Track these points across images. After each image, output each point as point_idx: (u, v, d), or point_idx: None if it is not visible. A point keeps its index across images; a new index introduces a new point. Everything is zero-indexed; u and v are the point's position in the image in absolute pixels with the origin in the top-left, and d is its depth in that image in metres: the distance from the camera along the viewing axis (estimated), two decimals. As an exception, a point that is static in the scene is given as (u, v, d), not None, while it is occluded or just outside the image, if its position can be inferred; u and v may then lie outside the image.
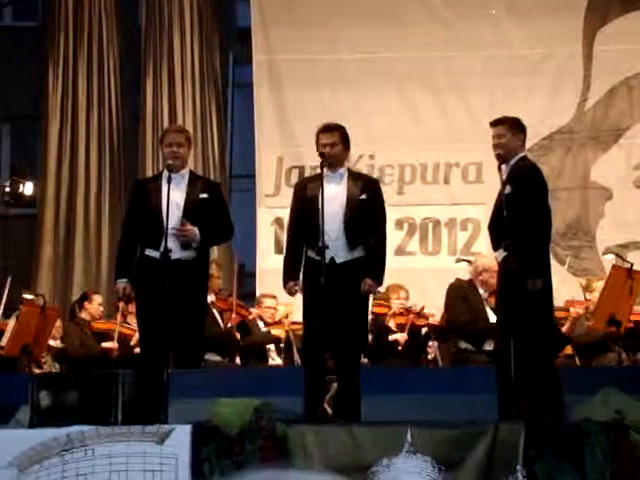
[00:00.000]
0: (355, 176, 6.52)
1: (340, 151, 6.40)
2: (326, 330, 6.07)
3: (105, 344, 8.64)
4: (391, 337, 8.67)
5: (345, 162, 6.49)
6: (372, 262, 6.32)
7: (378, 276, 6.36)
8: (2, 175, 12.44)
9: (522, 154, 6.34)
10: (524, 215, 6.06)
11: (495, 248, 6.27)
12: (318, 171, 6.41)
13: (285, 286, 6.42)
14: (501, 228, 6.11)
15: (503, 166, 6.26)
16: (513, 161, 6.26)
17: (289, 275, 6.39)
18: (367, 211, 6.33)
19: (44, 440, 5.31)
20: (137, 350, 8.19)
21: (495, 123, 6.38)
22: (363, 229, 6.32)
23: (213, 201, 6.44)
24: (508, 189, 6.15)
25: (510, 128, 6.29)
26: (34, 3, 12.30)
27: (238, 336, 8.63)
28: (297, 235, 6.43)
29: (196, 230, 6.27)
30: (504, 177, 6.23)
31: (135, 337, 8.32)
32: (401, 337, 8.69)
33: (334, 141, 6.37)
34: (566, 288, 9.05)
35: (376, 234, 6.38)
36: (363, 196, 6.35)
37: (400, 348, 8.65)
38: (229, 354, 8.50)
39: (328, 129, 6.42)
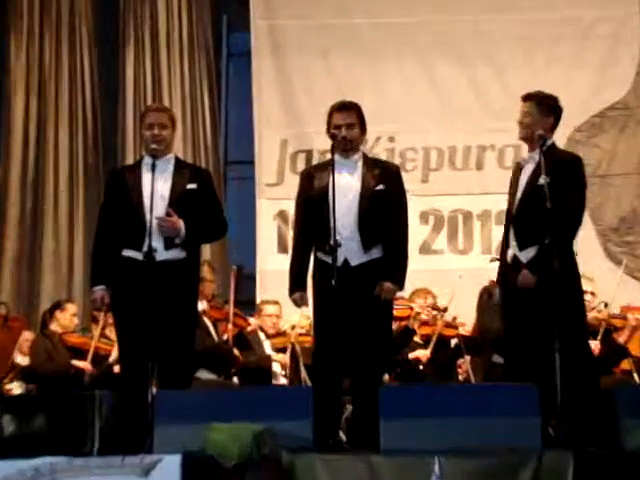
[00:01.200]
0: (371, 163, 6.51)
1: (357, 134, 6.41)
2: (340, 344, 6.07)
3: (76, 362, 8.61)
4: (412, 355, 8.66)
5: (361, 147, 6.50)
6: (390, 263, 6.32)
7: (397, 279, 6.35)
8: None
9: (550, 141, 6.38)
10: (562, 210, 6.11)
11: (522, 246, 6.27)
12: (328, 156, 6.41)
13: (291, 295, 6.43)
14: (532, 223, 6.14)
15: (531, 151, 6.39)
16: (544, 147, 6.29)
17: (296, 282, 6.40)
18: (385, 204, 6.33)
19: (7, 474, 5.31)
20: (116, 369, 8.20)
21: (524, 98, 6.42)
22: (380, 226, 6.31)
23: (203, 192, 6.45)
24: (544, 180, 6.17)
25: (538, 106, 6.35)
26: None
27: (236, 351, 8.61)
28: (305, 233, 6.43)
29: (181, 222, 6.28)
30: (530, 164, 6.29)
31: (113, 354, 8.31)
32: (423, 355, 8.67)
33: (351, 122, 6.37)
34: (622, 292, 9.05)
35: (396, 230, 6.38)
36: (380, 187, 6.35)
37: (422, 367, 8.64)
38: (225, 371, 8.49)
39: (344, 107, 6.43)
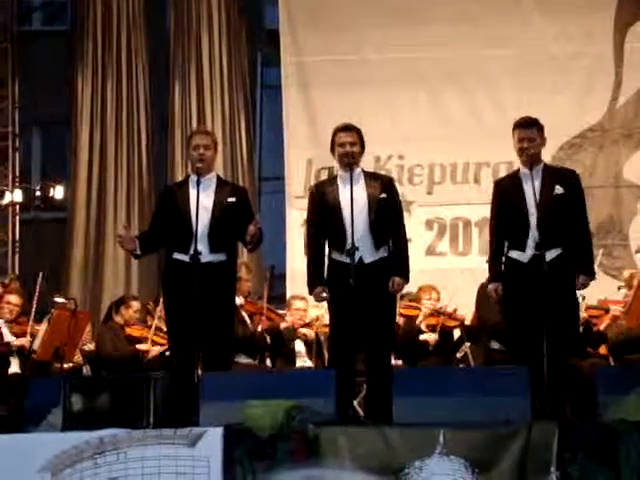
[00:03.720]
0: (371, 176, 6.53)
1: (358, 151, 6.42)
2: (355, 330, 6.08)
3: (139, 345, 8.65)
4: (421, 337, 8.68)
5: (360, 163, 6.50)
6: (398, 261, 6.33)
7: (406, 274, 6.38)
8: (33, 179, 12.52)
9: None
10: (579, 216, 6.29)
11: (547, 247, 6.21)
12: (336, 173, 6.45)
13: (311, 292, 6.42)
14: (555, 227, 6.17)
15: (524, 169, 6.34)
16: (542, 164, 6.36)
17: (315, 280, 6.37)
18: (387, 210, 6.35)
19: (77, 443, 5.34)
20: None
21: (528, 125, 6.38)
22: (386, 228, 6.34)
23: (241, 206, 6.46)
24: (560, 190, 6.19)
25: (540, 131, 6.37)
26: (63, 7, 12.37)
27: (268, 339, 8.60)
28: (320, 239, 6.41)
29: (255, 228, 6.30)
30: (535, 180, 6.24)
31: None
32: (430, 338, 8.68)
33: (354, 140, 6.38)
34: (599, 287, 9.01)
35: (398, 232, 6.40)
36: (383, 195, 6.36)
37: (430, 348, 8.65)
38: (259, 355, 8.49)
39: (347, 128, 6.43)
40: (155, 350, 8.59)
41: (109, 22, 11.56)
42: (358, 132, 6.45)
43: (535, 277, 6.11)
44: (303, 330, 8.85)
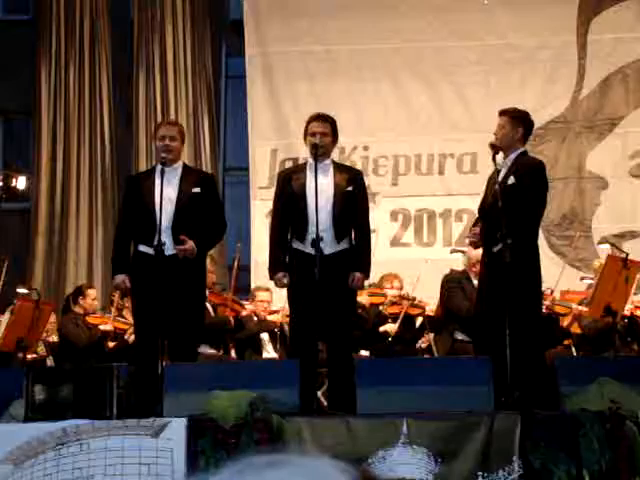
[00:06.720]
0: (340, 168, 6.53)
1: (329, 142, 6.41)
2: (317, 321, 6.08)
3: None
4: (382, 328, 8.68)
5: (331, 154, 6.50)
6: (360, 255, 6.32)
7: (366, 269, 6.37)
8: (-6, 169, 12.42)
9: (522, 148, 6.38)
10: (524, 208, 6.14)
11: (489, 238, 6.22)
12: (302, 162, 6.42)
13: (272, 277, 6.41)
14: (497, 218, 6.10)
15: (499, 157, 6.30)
16: (514, 154, 6.30)
17: (276, 266, 6.37)
18: (353, 203, 6.33)
19: (39, 434, 5.32)
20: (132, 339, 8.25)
21: (500, 113, 6.42)
22: (349, 221, 6.34)
23: (206, 196, 6.43)
24: (512, 180, 6.18)
25: (510, 120, 6.34)
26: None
27: (232, 322, 8.59)
28: (283, 226, 6.41)
29: (192, 244, 6.23)
30: (504, 168, 6.25)
31: (130, 330, 8.32)
32: (390, 328, 8.69)
33: (325, 130, 6.37)
34: (562, 278, 9.08)
35: (361, 226, 6.40)
36: (349, 188, 6.35)
37: (390, 339, 8.67)
38: (223, 345, 8.48)
39: (320, 118, 6.44)
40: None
41: (72, 11, 11.48)
42: (332, 123, 6.44)
43: (496, 268, 6.15)
44: (269, 318, 8.87)
